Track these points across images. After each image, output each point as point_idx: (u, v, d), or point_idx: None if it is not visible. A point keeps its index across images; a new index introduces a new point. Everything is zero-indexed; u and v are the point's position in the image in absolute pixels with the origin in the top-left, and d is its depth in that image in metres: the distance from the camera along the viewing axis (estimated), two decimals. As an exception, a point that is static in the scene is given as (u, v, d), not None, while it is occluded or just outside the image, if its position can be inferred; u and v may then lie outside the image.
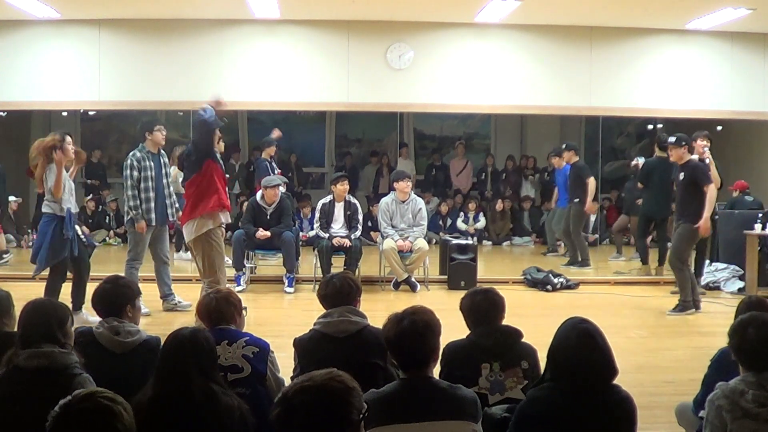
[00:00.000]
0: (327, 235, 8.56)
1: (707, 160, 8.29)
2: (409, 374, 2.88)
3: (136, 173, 6.99)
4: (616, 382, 2.78)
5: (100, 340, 3.32)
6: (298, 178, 13.88)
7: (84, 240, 6.76)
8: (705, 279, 9.00)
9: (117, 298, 3.48)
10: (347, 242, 8.46)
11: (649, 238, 10.29)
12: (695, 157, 7.78)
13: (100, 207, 13.03)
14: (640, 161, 10.35)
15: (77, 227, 6.69)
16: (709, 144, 8.42)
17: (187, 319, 6.45)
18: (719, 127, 12.25)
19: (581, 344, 2.74)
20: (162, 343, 3.41)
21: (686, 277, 7.48)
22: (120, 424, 2.07)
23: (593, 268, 10.32)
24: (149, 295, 7.06)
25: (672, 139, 7.49)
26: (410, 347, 2.87)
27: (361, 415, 2.13)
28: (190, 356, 2.81)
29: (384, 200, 9.02)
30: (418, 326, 2.89)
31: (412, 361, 2.88)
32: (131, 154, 7.12)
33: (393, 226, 8.77)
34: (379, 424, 2.70)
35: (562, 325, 2.87)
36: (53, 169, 6.32)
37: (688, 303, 7.41)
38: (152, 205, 7.05)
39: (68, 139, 6.50)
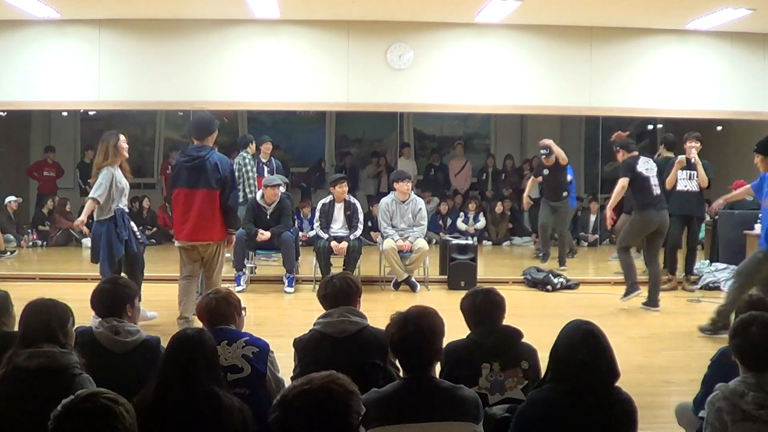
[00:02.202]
0: (326, 236, 8.56)
1: (692, 160, 8.42)
2: (411, 374, 2.87)
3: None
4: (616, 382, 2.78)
5: (100, 340, 3.32)
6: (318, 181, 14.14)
7: (138, 237, 6.75)
8: (705, 279, 9.01)
9: (116, 297, 3.48)
10: (344, 247, 8.42)
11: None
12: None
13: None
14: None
15: (132, 224, 6.70)
16: (698, 145, 8.52)
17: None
18: (719, 127, 12.27)
19: (585, 345, 2.73)
20: (161, 342, 3.42)
21: (628, 262, 7.77)
22: (121, 425, 2.07)
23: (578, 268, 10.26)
24: (154, 296, 7.03)
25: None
26: (415, 351, 2.85)
27: (360, 418, 2.13)
28: (197, 357, 2.81)
29: (384, 200, 9.02)
30: (423, 330, 2.86)
31: (416, 363, 2.86)
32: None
33: (393, 226, 8.76)
34: (381, 424, 2.70)
35: (565, 326, 2.86)
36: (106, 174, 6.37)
37: (635, 285, 7.68)
38: None
39: (122, 137, 6.54)
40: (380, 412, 2.72)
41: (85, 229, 6.94)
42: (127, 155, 6.63)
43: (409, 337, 2.85)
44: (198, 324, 3.69)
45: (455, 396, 2.80)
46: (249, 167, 9.57)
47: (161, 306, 7.05)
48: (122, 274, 6.26)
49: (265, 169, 9.92)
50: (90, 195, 6.43)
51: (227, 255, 9.57)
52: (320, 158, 14.58)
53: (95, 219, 6.61)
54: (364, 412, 2.72)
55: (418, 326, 2.87)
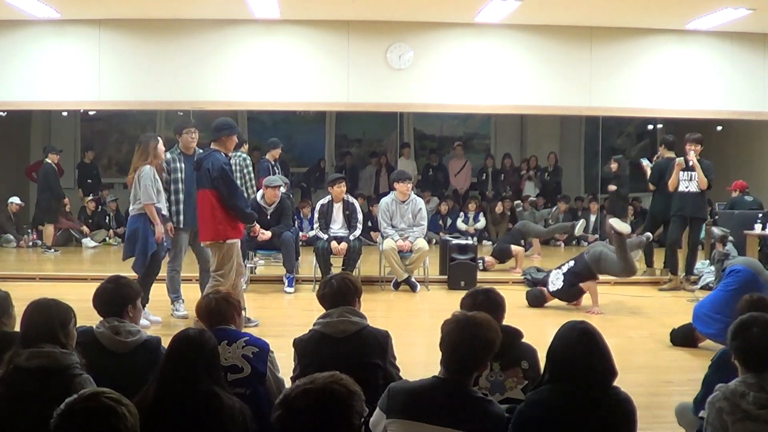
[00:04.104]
0: (326, 236, 8.56)
1: (690, 163, 8.43)
2: (447, 376, 2.81)
3: (165, 175, 6.90)
4: (615, 382, 2.77)
5: (101, 340, 3.32)
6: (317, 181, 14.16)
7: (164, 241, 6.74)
8: (705, 279, 9.01)
9: (118, 298, 3.47)
10: (344, 248, 8.41)
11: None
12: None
13: (100, 207, 13.04)
14: (614, 165, 10.88)
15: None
16: (698, 148, 8.51)
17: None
18: (719, 127, 12.29)
19: (581, 344, 2.74)
20: (161, 343, 3.42)
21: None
22: (122, 425, 2.07)
23: None
24: (156, 296, 7.01)
25: None
26: (462, 357, 2.80)
27: (362, 419, 2.13)
28: (199, 357, 2.82)
29: (384, 200, 9.02)
30: (478, 341, 2.79)
31: (457, 367, 2.81)
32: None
33: (393, 226, 8.76)
34: (403, 416, 2.71)
35: (561, 327, 2.86)
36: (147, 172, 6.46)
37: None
38: (181, 207, 6.96)
39: (160, 140, 6.67)
40: (405, 405, 2.71)
41: (85, 229, 6.96)
42: (163, 157, 6.74)
43: (462, 344, 2.79)
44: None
45: (484, 410, 2.75)
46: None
47: (163, 306, 7.05)
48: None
49: (277, 171, 9.90)
50: (144, 201, 6.49)
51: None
52: (320, 158, 14.59)
53: (131, 213, 6.69)
54: (390, 400, 2.71)
55: (475, 335, 2.81)
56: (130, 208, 6.71)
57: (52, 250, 11.55)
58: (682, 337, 6.13)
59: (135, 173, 6.58)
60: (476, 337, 2.80)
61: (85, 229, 12.57)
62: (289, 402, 2.09)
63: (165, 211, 6.75)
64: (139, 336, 3.38)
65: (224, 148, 6.30)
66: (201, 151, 6.75)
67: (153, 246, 6.53)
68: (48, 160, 11.45)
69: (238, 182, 9.35)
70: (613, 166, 11.03)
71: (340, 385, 2.13)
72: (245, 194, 9.28)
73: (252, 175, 9.52)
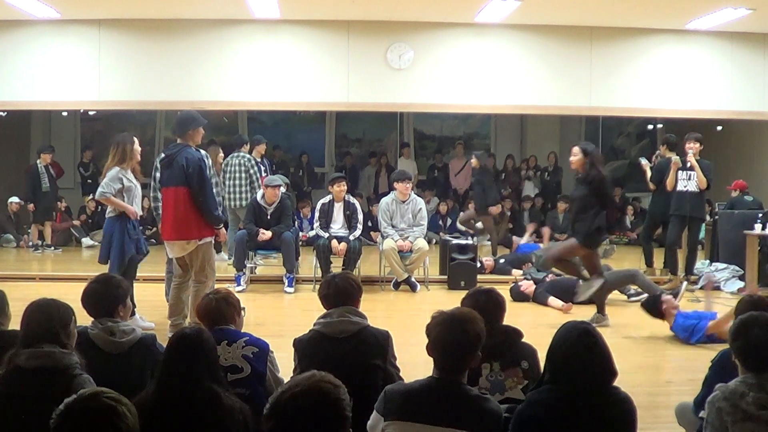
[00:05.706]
0: (326, 235, 8.56)
1: (688, 163, 8.43)
2: (442, 375, 2.82)
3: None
4: (615, 382, 2.77)
5: (96, 342, 3.31)
6: (308, 178, 14.02)
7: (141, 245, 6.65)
8: (705, 279, 9.01)
9: (108, 298, 3.47)
10: (343, 248, 8.42)
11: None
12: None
13: (100, 207, 13.03)
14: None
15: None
16: (696, 146, 8.49)
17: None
18: (719, 127, 12.28)
19: (580, 344, 2.74)
20: (156, 339, 3.42)
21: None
22: (123, 423, 2.07)
23: None
24: (154, 296, 7.00)
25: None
26: (456, 354, 2.81)
27: (350, 409, 2.15)
28: (198, 356, 2.82)
29: (384, 200, 9.02)
30: (469, 336, 2.82)
31: (451, 366, 2.82)
32: None
33: (393, 226, 8.76)
34: (400, 418, 2.71)
35: (561, 326, 2.87)
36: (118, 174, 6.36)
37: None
38: None
39: (136, 141, 6.56)
40: (401, 406, 2.72)
41: (81, 218, 6.85)
42: (139, 158, 6.62)
43: (454, 340, 2.80)
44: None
45: (480, 407, 2.76)
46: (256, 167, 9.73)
47: (158, 306, 7.05)
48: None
49: (262, 168, 9.98)
50: (97, 196, 6.44)
51: (225, 257, 9.68)
52: (301, 152, 14.32)
53: (106, 216, 6.59)
54: (387, 402, 2.73)
55: (465, 331, 2.82)
56: (107, 211, 6.60)
57: (52, 248, 11.60)
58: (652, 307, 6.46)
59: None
60: (466, 332, 2.83)
61: (80, 219, 12.66)
62: (280, 410, 2.10)
63: (139, 211, 6.61)
64: (134, 335, 3.37)
65: (193, 142, 6.03)
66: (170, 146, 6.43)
67: (130, 250, 6.39)
68: (39, 161, 11.34)
69: (245, 182, 9.45)
70: (473, 162, 11.08)
71: (325, 381, 2.15)
72: (249, 194, 9.35)
73: (259, 174, 9.57)
